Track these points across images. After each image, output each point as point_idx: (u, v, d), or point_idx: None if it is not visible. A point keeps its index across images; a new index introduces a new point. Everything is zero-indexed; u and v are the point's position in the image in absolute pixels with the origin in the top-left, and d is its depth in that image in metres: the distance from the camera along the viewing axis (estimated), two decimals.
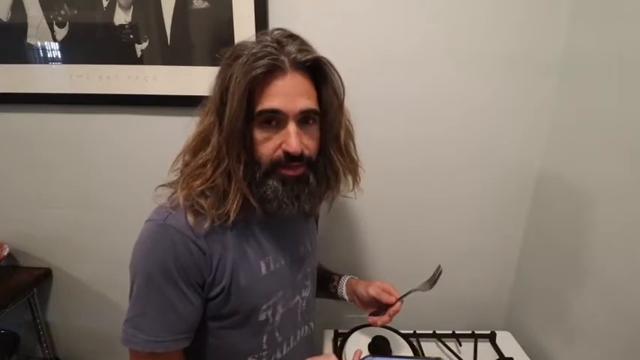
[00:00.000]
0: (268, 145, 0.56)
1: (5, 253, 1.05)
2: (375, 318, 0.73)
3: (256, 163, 0.56)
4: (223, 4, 0.85)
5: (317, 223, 0.83)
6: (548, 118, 0.92)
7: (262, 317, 0.63)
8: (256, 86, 0.53)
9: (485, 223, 1.02)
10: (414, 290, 0.74)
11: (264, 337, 0.65)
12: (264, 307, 0.63)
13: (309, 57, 0.55)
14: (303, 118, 0.56)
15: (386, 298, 0.73)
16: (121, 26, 0.88)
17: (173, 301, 0.55)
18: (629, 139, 0.70)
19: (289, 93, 0.54)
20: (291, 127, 0.54)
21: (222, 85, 0.54)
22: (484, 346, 0.94)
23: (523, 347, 0.94)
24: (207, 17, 0.87)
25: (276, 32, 0.56)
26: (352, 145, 0.65)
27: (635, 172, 0.68)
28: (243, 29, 0.86)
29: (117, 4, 0.87)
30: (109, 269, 1.10)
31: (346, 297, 0.82)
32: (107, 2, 0.87)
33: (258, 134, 0.55)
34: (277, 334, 0.66)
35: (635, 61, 0.69)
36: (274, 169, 0.56)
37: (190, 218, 0.55)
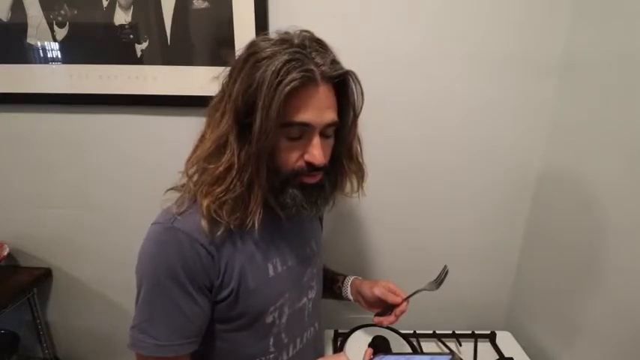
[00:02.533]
0: (292, 155, 0.56)
1: (5, 253, 1.05)
2: (381, 318, 0.73)
3: (276, 171, 0.56)
4: (223, 4, 0.85)
5: (322, 223, 0.83)
6: (549, 118, 0.92)
7: (269, 319, 0.63)
8: (287, 96, 0.51)
9: (485, 223, 1.02)
10: (421, 290, 0.74)
11: (271, 340, 0.64)
12: (272, 309, 0.62)
13: (340, 72, 0.54)
14: (326, 130, 0.56)
15: (392, 299, 0.73)
16: (121, 26, 0.88)
17: (181, 304, 0.54)
18: (629, 139, 0.70)
19: (320, 107, 0.54)
20: (316, 139, 0.55)
21: (248, 90, 0.51)
22: (484, 346, 0.94)
23: (523, 347, 0.94)
24: (207, 17, 0.87)
25: (302, 33, 0.54)
26: (360, 151, 0.67)
27: (635, 172, 0.68)
28: (243, 29, 0.86)
29: (117, 4, 0.87)
30: (109, 269, 1.10)
31: (351, 297, 0.82)
32: (107, 2, 0.87)
33: (283, 143, 0.55)
34: (283, 336, 0.66)
35: (635, 61, 0.69)
36: (295, 177, 0.56)
37: (205, 224, 0.54)
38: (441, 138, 0.95)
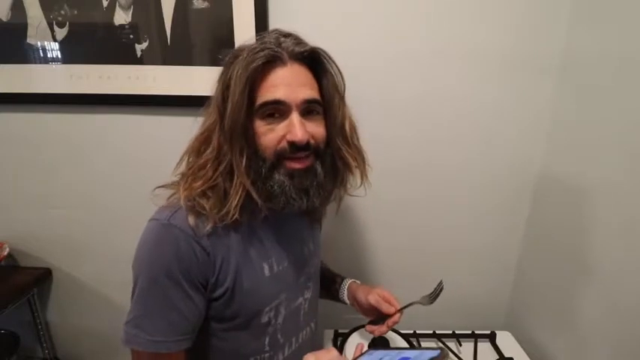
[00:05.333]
0: (272, 137, 0.55)
1: (5, 253, 1.05)
2: (374, 327, 0.72)
3: (260, 157, 0.56)
4: (223, 3, 0.85)
5: (321, 223, 0.83)
6: (549, 118, 0.92)
7: (265, 319, 0.63)
8: (257, 79, 0.53)
9: (485, 223, 1.02)
10: (414, 303, 0.73)
11: (266, 339, 0.64)
12: (267, 309, 0.62)
13: (306, 48, 0.56)
14: (306, 110, 0.56)
15: (386, 308, 0.71)
16: (121, 26, 0.88)
17: (176, 301, 0.54)
18: (628, 139, 0.70)
19: (291, 83, 0.54)
20: (295, 116, 0.54)
21: (224, 84, 0.55)
22: (484, 346, 0.94)
23: (523, 347, 0.94)
24: (207, 17, 0.87)
25: (273, 33, 0.57)
26: (357, 138, 0.65)
27: (634, 172, 0.68)
28: (243, 29, 0.86)
29: (117, 4, 0.87)
30: (109, 269, 1.10)
31: (347, 301, 0.81)
32: (107, 2, 0.87)
33: (261, 127, 0.55)
34: (279, 336, 0.66)
35: (634, 61, 0.69)
36: (279, 161, 0.55)
37: (191, 220, 0.54)
38: (441, 137, 0.95)
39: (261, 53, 0.52)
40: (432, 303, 0.74)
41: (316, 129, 0.57)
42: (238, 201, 0.55)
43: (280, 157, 0.55)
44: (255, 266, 0.61)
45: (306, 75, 0.56)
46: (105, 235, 1.08)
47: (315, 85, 0.58)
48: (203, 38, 0.89)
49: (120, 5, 0.87)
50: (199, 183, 0.55)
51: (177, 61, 0.90)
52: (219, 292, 0.58)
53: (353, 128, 0.63)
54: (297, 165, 0.56)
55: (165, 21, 0.88)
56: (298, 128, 0.53)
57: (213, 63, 0.89)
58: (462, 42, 0.88)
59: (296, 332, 0.70)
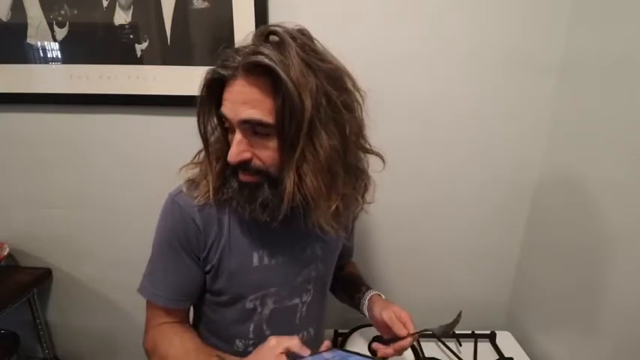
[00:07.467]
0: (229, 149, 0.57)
1: (5, 253, 1.05)
2: (380, 346, 0.68)
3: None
4: (223, 3, 0.85)
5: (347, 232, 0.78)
6: (549, 118, 0.92)
7: (249, 305, 0.66)
8: (223, 90, 0.55)
9: (485, 223, 1.02)
10: (428, 330, 0.70)
11: (251, 326, 0.67)
12: (252, 297, 0.65)
13: (251, 60, 0.49)
14: (251, 128, 0.52)
15: (397, 329, 0.66)
16: (121, 26, 0.88)
17: (176, 266, 0.63)
18: (629, 139, 0.70)
19: (235, 100, 0.52)
20: (236, 135, 0.53)
21: None
22: (484, 346, 0.94)
23: (523, 347, 0.94)
24: (207, 17, 0.87)
25: (293, 29, 0.53)
26: (344, 172, 0.56)
27: (634, 171, 0.68)
28: (243, 29, 0.86)
29: (117, 4, 0.87)
30: (108, 269, 1.10)
31: (366, 313, 0.76)
32: (107, 2, 0.87)
33: (229, 136, 0.57)
34: (265, 327, 0.67)
35: (635, 61, 0.69)
36: (235, 170, 0.58)
37: (184, 186, 0.62)
38: (441, 138, 0.95)
39: (216, 66, 0.53)
40: (447, 334, 0.71)
41: (263, 152, 0.53)
42: (211, 189, 0.60)
43: (235, 167, 0.57)
44: (245, 252, 0.64)
45: (252, 91, 0.50)
46: (105, 235, 1.08)
47: (268, 103, 0.50)
48: (203, 38, 0.89)
49: (120, 5, 0.87)
50: (198, 167, 0.63)
51: (177, 61, 0.90)
52: (208, 266, 0.64)
53: (335, 157, 0.53)
54: (244, 177, 0.57)
55: (165, 21, 0.88)
56: (233, 148, 0.53)
57: (213, 63, 0.88)
58: (462, 42, 0.88)
59: (288, 333, 0.68)
